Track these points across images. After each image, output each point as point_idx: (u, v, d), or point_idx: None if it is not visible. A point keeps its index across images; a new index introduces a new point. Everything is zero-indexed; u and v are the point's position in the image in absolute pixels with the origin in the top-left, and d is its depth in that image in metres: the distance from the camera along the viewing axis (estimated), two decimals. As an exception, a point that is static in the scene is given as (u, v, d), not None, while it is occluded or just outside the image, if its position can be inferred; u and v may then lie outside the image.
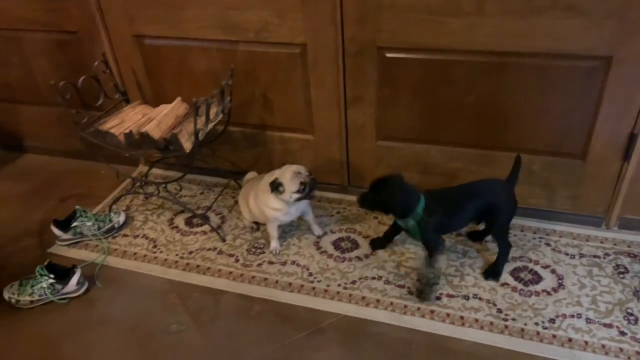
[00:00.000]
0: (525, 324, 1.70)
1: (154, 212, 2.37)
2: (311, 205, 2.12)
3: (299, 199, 1.92)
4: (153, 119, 2.02)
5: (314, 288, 1.91)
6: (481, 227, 2.00)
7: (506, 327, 1.70)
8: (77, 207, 2.20)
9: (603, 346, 1.62)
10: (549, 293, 1.80)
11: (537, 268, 1.90)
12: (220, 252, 2.10)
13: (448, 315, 1.76)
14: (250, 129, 2.35)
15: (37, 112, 2.72)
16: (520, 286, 1.84)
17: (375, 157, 2.22)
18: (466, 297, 1.81)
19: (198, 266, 2.05)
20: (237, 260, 2.06)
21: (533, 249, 1.99)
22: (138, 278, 2.03)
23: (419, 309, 1.79)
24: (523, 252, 1.97)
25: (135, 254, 2.14)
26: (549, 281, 1.85)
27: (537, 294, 1.80)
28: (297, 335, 1.74)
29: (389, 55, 1.94)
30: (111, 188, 2.54)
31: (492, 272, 1.88)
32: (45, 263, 1.95)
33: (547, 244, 2.00)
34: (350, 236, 2.13)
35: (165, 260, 2.09)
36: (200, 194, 2.46)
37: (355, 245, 2.08)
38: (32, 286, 1.91)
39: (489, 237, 2.02)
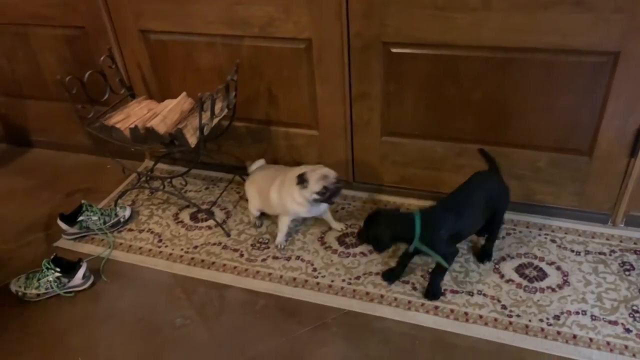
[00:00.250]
0: (530, 321, 1.70)
1: (159, 206, 2.37)
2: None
3: (317, 200, 1.92)
4: (158, 114, 2.02)
5: (318, 283, 1.91)
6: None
7: (510, 323, 1.70)
8: (83, 201, 2.21)
9: (608, 343, 1.61)
10: (553, 290, 1.80)
11: (543, 265, 1.90)
12: (225, 247, 2.11)
13: (452, 311, 1.76)
14: (255, 124, 2.35)
15: (44, 107, 2.73)
16: (525, 283, 1.83)
17: (380, 153, 2.21)
18: (470, 294, 1.81)
19: (203, 261, 2.05)
20: (241, 255, 2.06)
21: (538, 245, 1.98)
22: (143, 272, 2.04)
23: (423, 304, 1.79)
24: (528, 248, 1.97)
25: (140, 248, 2.15)
26: (554, 278, 1.84)
27: (542, 290, 1.80)
28: (301, 330, 1.75)
29: (394, 50, 1.94)
30: (117, 183, 2.55)
31: (486, 254, 1.93)
32: (52, 257, 1.96)
33: (553, 241, 1.99)
34: (354, 232, 2.13)
35: (171, 254, 2.10)
36: (205, 189, 2.47)
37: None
38: (39, 280, 1.92)
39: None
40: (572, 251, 1.94)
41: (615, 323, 1.67)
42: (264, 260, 2.03)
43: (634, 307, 1.71)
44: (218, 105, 2.04)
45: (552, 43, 1.73)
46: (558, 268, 1.88)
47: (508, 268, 1.89)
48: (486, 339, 1.66)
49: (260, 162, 2.26)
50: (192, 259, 2.07)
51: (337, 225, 2.15)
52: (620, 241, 1.97)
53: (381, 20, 1.87)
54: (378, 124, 2.13)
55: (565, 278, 1.84)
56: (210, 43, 2.17)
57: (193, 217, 2.29)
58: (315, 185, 1.87)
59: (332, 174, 1.91)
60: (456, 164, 2.12)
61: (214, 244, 2.13)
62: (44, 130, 2.86)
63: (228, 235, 2.17)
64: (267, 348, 1.70)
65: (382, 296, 1.83)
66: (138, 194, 2.46)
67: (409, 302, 1.80)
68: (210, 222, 2.24)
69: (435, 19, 1.81)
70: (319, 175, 1.88)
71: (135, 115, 2.10)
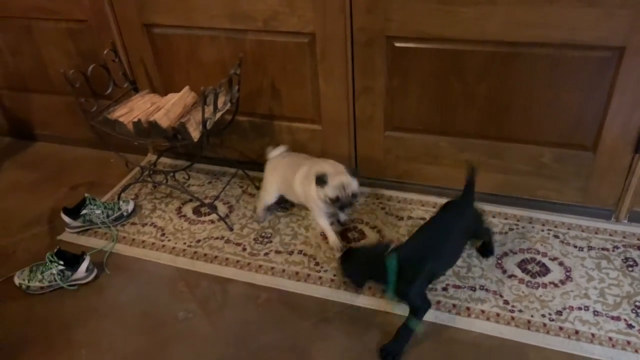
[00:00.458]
0: (532, 316, 1.70)
1: (162, 200, 2.38)
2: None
3: (326, 204, 1.92)
4: (161, 108, 2.02)
5: (320, 277, 1.91)
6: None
7: (512, 318, 1.70)
8: (86, 195, 2.22)
9: (610, 339, 1.61)
10: (556, 285, 1.80)
11: (545, 260, 1.89)
12: (228, 241, 2.12)
13: (454, 306, 1.76)
14: (259, 118, 2.35)
15: (48, 101, 2.73)
16: (527, 278, 1.83)
17: (383, 148, 2.21)
18: (473, 289, 1.81)
19: (205, 255, 2.06)
20: (244, 249, 2.07)
21: (541, 241, 1.97)
22: (146, 266, 2.05)
23: (425, 299, 1.79)
24: (531, 244, 1.96)
25: (143, 242, 2.15)
26: (556, 273, 1.84)
27: (545, 286, 1.80)
28: (304, 324, 1.75)
29: (398, 45, 1.93)
30: (120, 177, 2.55)
31: (488, 251, 1.92)
32: (55, 250, 1.97)
33: (556, 236, 1.99)
34: (357, 226, 2.13)
35: (173, 248, 2.11)
36: (208, 183, 2.47)
37: (362, 236, 2.08)
38: (42, 272, 1.93)
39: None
40: (575, 247, 1.94)
41: (617, 319, 1.67)
42: (266, 254, 2.04)
43: (637, 303, 1.71)
44: (221, 100, 2.04)
45: (557, 38, 1.73)
46: (561, 264, 1.88)
47: (511, 263, 1.89)
48: (488, 334, 1.66)
49: (282, 148, 2.24)
50: (195, 252, 2.07)
51: (343, 216, 2.14)
52: (624, 237, 1.97)
53: (385, 15, 1.87)
54: (381, 118, 2.13)
55: (568, 274, 1.83)
56: (213, 37, 2.16)
57: (196, 211, 2.30)
58: (331, 190, 1.87)
59: (352, 186, 1.89)
60: (460, 159, 2.12)
61: (217, 238, 2.14)
62: (48, 124, 2.87)
63: (231, 229, 2.18)
64: (269, 341, 1.71)
65: (384, 290, 1.83)
66: (141, 188, 2.46)
67: (411, 296, 1.80)
68: (213, 216, 2.25)
69: (439, 13, 1.80)
70: (338, 182, 1.87)
71: (138, 109, 2.10)
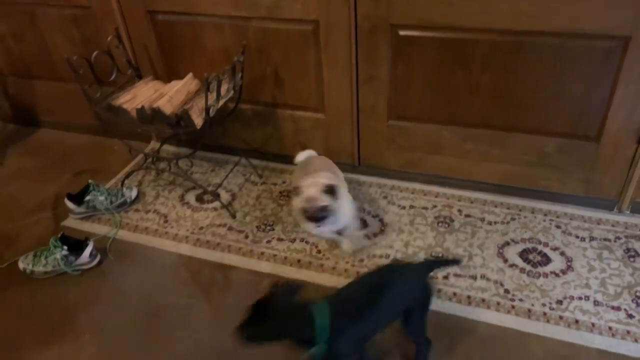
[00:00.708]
0: (533, 305, 1.70)
1: (165, 187, 2.39)
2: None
3: (299, 216, 1.82)
4: (165, 95, 2.02)
5: (322, 265, 1.92)
6: None
7: (513, 307, 1.70)
8: (90, 181, 2.23)
9: (610, 328, 1.61)
10: (557, 275, 1.80)
11: (547, 250, 1.90)
12: (231, 229, 2.12)
13: (455, 294, 1.76)
14: (262, 106, 2.35)
15: (52, 88, 2.74)
16: (528, 267, 1.83)
17: (386, 137, 2.21)
18: (474, 277, 1.82)
19: (208, 242, 2.07)
20: (246, 237, 2.08)
21: (543, 231, 1.98)
22: (149, 252, 2.06)
23: (426, 288, 1.79)
24: (533, 234, 1.97)
25: (146, 228, 2.16)
26: (558, 263, 1.84)
27: (546, 275, 1.80)
28: (305, 311, 1.76)
29: (402, 33, 1.92)
30: (124, 164, 2.56)
31: None
32: (59, 235, 1.98)
33: (558, 227, 1.99)
34: (359, 214, 2.13)
35: (176, 235, 2.12)
36: (211, 171, 2.48)
37: (364, 224, 2.08)
38: (46, 257, 1.95)
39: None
40: (577, 237, 1.94)
41: (618, 309, 1.67)
42: (268, 242, 2.05)
43: (638, 293, 1.71)
44: (224, 87, 2.04)
45: (562, 27, 1.72)
46: (562, 253, 1.88)
47: (512, 253, 1.89)
48: (488, 322, 1.67)
49: (308, 152, 2.11)
50: (198, 239, 2.08)
51: (346, 246, 1.97)
52: (626, 228, 1.96)
53: (389, 2, 1.86)
54: (385, 107, 2.12)
55: (569, 263, 1.84)
56: (217, 24, 2.16)
57: (199, 198, 2.31)
58: (299, 201, 1.77)
59: (318, 203, 1.72)
60: (463, 149, 2.12)
61: (220, 225, 2.15)
62: (52, 111, 2.88)
63: (233, 216, 2.18)
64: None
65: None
66: (144, 175, 2.47)
67: (412, 285, 1.81)
68: (216, 204, 2.26)
69: (444, 1, 1.79)
70: (307, 196, 1.74)
71: (142, 95, 2.10)
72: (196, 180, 2.35)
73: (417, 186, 2.25)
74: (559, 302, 1.71)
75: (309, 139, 2.32)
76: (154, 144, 2.66)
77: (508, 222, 2.03)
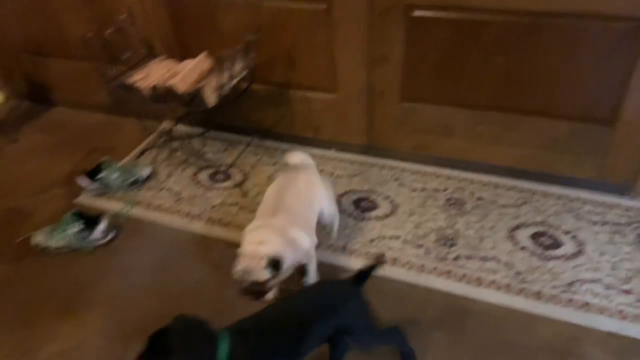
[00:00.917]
0: (543, 287, 1.70)
1: (178, 166, 2.40)
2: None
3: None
4: (178, 74, 2.03)
5: (331, 245, 1.93)
6: None
7: (522, 289, 1.70)
8: (103, 159, 2.25)
9: (620, 311, 1.61)
10: (568, 258, 1.80)
11: (558, 233, 1.89)
12: (242, 208, 2.14)
13: (464, 275, 1.77)
14: (274, 87, 2.35)
15: (66, 66, 2.76)
16: (539, 250, 1.83)
17: (398, 118, 2.20)
18: (484, 259, 1.82)
19: (220, 220, 2.09)
20: (257, 216, 2.09)
21: (555, 214, 1.97)
22: (161, 229, 2.08)
23: (435, 268, 1.80)
24: (544, 217, 1.96)
25: (159, 206, 2.19)
26: (569, 247, 1.84)
27: (557, 258, 1.80)
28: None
29: (416, 13, 1.91)
30: (137, 142, 2.58)
31: None
32: (73, 211, 2.01)
33: (570, 211, 1.98)
34: (370, 196, 2.14)
35: (188, 213, 2.14)
36: (224, 150, 2.49)
37: (375, 205, 2.09)
38: (60, 233, 1.97)
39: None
40: (589, 221, 1.93)
41: (629, 292, 1.67)
42: (279, 221, 2.05)
43: (649, 278, 1.71)
44: (237, 66, 2.04)
45: (579, 8, 1.69)
46: (574, 237, 1.87)
47: (523, 235, 1.89)
48: (498, 303, 1.67)
49: (301, 156, 1.85)
50: (209, 218, 2.10)
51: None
52: (639, 213, 1.95)
53: (404, -19, 1.84)
54: (397, 89, 2.11)
55: (580, 247, 1.83)
56: (230, 3, 2.15)
57: (211, 177, 2.32)
58: (235, 269, 1.53)
59: (255, 277, 1.49)
60: (475, 132, 2.10)
61: (231, 204, 2.16)
62: (66, 89, 2.90)
63: (245, 196, 2.20)
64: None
65: (395, 259, 1.84)
66: (158, 154, 2.49)
67: (422, 265, 1.82)
68: (228, 183, 2.27)
69: (460, -20, 1.77)
70: (244, 267, 1.51)
71: (155, 74, 2.11)
72: (209, 160, 2.36)
73: (429, 169, 2.25)
74: (569, 284, 1.70)
75: (321, 120, 2.32)
76: (168, 123, 2.67)
77: (520, 206, 2.02)
